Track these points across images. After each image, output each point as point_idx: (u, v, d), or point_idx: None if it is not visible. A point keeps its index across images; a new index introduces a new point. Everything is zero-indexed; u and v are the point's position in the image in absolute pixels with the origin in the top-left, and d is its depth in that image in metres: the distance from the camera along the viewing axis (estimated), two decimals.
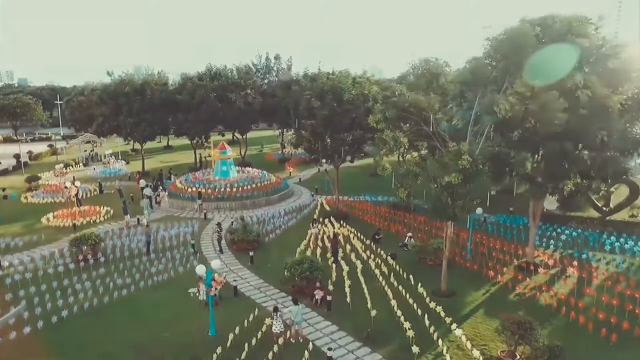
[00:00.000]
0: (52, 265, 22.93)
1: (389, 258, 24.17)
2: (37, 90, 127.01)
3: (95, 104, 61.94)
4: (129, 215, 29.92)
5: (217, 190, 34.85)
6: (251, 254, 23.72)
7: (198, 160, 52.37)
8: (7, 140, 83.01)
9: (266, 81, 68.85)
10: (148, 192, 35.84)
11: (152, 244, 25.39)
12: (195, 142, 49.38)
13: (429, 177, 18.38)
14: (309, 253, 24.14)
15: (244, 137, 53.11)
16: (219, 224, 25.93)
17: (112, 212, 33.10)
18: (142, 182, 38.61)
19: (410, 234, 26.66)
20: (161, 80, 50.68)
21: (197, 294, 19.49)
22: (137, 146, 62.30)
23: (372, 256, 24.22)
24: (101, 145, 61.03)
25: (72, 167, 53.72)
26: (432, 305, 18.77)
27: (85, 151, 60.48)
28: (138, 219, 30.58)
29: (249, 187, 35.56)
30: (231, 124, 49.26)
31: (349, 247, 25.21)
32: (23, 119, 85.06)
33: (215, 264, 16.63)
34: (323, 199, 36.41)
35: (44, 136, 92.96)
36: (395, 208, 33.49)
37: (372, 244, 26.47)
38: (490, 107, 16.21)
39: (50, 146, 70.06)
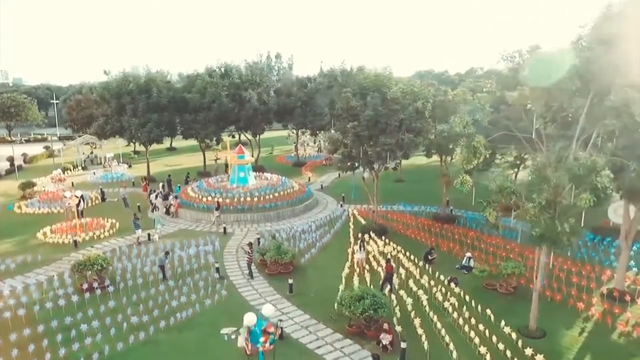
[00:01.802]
0: (51, 296, 18.97)
1: (452, 284, 20.42)
2: (32, 89, 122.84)
3: (95, 103, 57.94)
4: (140, 230, 25.99)
5: (235, 199, 30.92)
6: (290, 281, 19.83)
7: (224, 164, 48.01)
8: (0, 141, 78.72)
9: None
10: (154, 198, 32.00)
11: (168, 265, 21.47)
12: (204, 144, 45.42)
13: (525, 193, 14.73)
14: (356, 281, 20.28)
15: (257, 138, 49.12)
16: (251, 244, 21.96)
17: (117, 224, 29.09)
18: (160, 188, 34.83)
19: (469, 254, 22.90)
20: (164, 78, 46.61)
21: (233, 336, 15.61)
22: (139, 147, 58.30)
23: (432, 282, 20.39)
24: (101, 147, 56.85)
25: (70, 170, 49.62)
26: (528, 351, 15.01)
27: (83, 153, 56.24)
28: (148, 235, 26.63)
29: (271, 195, 31.66)
30: (244, 125, 45.24)
31: (402, 271, 21.35)
32: (17, 119, 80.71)
33: (268, 309, 12.78)
34: (353, 209, 32.62)
35: (39, 137, 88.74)
36: (437, 220, 29.75)
37: (426, 265, 22.69)
38: (622, 107, 12.44)
39: (46, 148, 65.81)
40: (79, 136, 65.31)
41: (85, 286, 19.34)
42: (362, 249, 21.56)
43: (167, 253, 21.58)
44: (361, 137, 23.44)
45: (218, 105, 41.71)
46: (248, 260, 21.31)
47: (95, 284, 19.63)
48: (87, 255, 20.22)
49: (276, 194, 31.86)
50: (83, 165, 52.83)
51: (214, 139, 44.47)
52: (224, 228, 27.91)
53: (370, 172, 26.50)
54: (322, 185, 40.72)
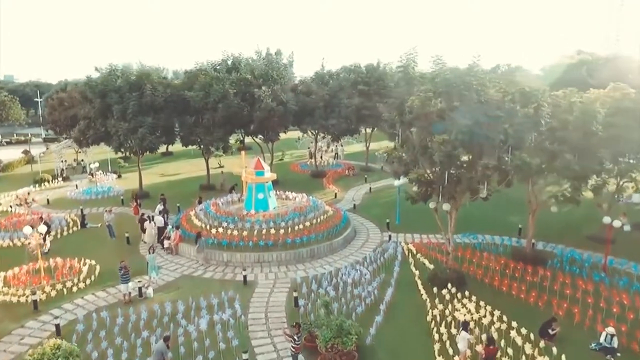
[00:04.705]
0: None
1: None
2: (20, 86, 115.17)
3: (79, 102, 50.21)
4: (129, 283, 18.54)
5: (255, 232, 23.41)
6: None
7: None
8: None
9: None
10: (160, 221, 24.94)
11: (170, 355, 14.05)
12: (209, 151, 37.88)
13: None
14: None
15: (269, 144, 41.55)
16: (298, 325, 14.42)
17: (97, 268, 21.55)
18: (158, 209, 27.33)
19: (612, 330, 15.60)
20: (160, 73, 39.06)
21: None
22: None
23: None
24: (86, 152, 48.87)
25: (48, 182, 41.91)
26: None
27: (65, 161, 48.38)
28: (139, 289, 19.12)
29: (302, 225, 24.14)
30: (257, 128, 37.67)
31: None
32: None
33: None
34: (404, 242, 25.28)
35: (22, 138, 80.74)
36: (521, 259, 22.35)
37: (549, 342, 15.41)
38: None
39: (25, 152, 57.76)
40: (64, 138, 57.51)
41: None
42: (464, 329, 14.16)
43: (166, 338, 14.11)
44: (453, 156, 16.00)
45: (225, 106, 34.24)
46: (293, 351, 13.82)
47: None
48: (41, 350, 12.73)
49: (307, 224, 24.38)
50: (64, 175, 45.06)
51: (221, 146, 36.88)
52: (244, 277, 20.43)
53: (449, 202, 18.92)
54: (354, 205, 33.23)
